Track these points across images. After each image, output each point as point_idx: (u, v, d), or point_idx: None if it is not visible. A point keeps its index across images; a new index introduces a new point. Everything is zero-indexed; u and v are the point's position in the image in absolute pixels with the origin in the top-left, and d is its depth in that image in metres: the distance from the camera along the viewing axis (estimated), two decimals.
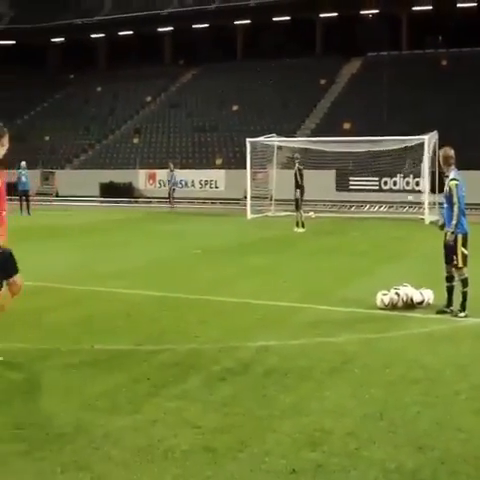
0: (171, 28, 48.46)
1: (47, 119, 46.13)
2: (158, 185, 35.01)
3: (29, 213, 25.88)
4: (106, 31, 49.89)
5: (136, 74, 46.27)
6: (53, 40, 51.90)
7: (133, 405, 5.13)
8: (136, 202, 33.71)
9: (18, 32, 50.89)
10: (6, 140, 6.30)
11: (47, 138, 43.67)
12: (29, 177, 27.46)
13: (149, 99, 45.55)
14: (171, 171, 30.67)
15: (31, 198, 27.51)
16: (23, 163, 27.29)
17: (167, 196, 30.60)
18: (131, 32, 48.44)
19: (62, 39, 51.63)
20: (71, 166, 40.73)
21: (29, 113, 48.11)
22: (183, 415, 4.94)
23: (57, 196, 37.24)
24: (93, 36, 50.55)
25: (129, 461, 4.17)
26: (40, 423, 4.77)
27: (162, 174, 33.40)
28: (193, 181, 34.57)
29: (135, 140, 41.03)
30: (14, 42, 52.16)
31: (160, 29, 48.48)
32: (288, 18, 44.45)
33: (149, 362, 6.30)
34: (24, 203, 26.34)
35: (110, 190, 35.58)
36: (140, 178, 36.25)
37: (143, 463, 4.15)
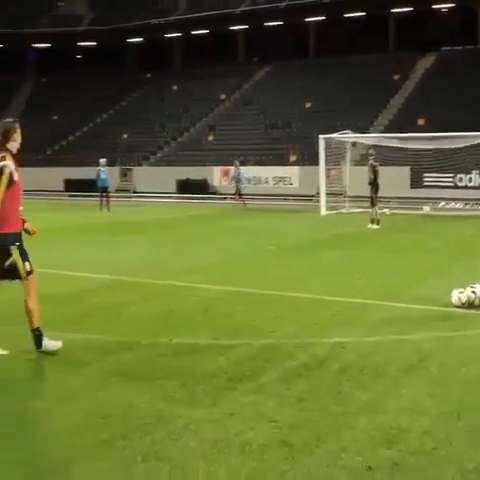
0: (244, 26, 48.75)
1: (125, 117, 47.17)
2: (245, 182, 35.44)
3: (108, 209, 26.44)
4: (181, 30, 50.63)
5: (210, 72, 46.74)
6: (130, 40, 52.96)
7: (211, 398, 5.22)
8: (211, 198, 34.02)
9: (97, 33, 52.28)
10: (18, 135, 6.39)
11: (125, 136, 44.65)
12: (108, 174, 27.96)
13: (223, 97, 45.92)
14: (237, 168, 30.76)
15: (110, 195, 28.03)
16: (102, 160, 27.85)
17: (234, 193, 30.70)
18: (205, 31, 48.97)
19: (139, 39, 52.63)
20: (148, 163, 41.53)
21: (108, 112, 49.31)
22: (259, 409, 4.99)
23: (135, 192, 38.04)
24: (168, 36, 51.33)
25: (207, 453, 4.25)
26: (122, 413, 4.91)
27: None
28: (267, 178, 34.70)
29: (210, 137, 41.44)
30: (94, 43, 53.59)
31: (233, 27, 48.84)
32: (361, 14, 43.96)
33: (226, 356, 6.39)
34: (104, 200, 26.89)
35: (186, 187, 36.13)
36: (215, 175, 36.62)
37: (220, 455, 4.22)
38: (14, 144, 6.34)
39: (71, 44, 54.25)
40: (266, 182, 34.71)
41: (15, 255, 6.39)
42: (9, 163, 6.18)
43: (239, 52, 51.41)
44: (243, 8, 48.12)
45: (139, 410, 4.97)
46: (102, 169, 27.36)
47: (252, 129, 40.02)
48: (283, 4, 46.27)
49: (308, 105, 40.40)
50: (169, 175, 36.80)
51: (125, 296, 9.41)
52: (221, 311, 8.46)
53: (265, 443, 4.39)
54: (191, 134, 43.33)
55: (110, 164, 41.19)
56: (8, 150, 6.30)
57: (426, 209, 20.89)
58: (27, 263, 6.49)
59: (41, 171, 42.76)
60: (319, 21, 46.59)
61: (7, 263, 6.34)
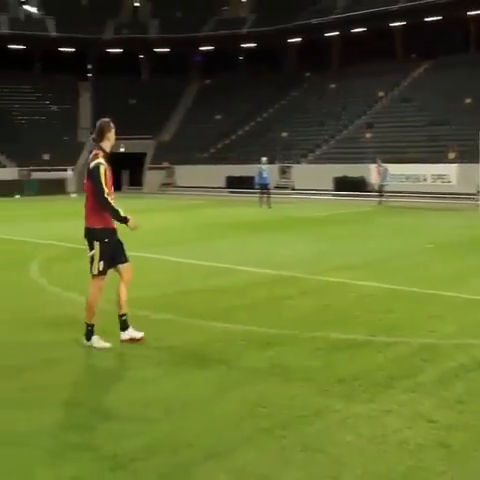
0: (402, 23, 47.66)
1: (284, 116, 47.81)
2: (389, 179, 34.79)
3: (269, 206, 26.85)
4: (340, 29, 50.39)
5: (368, 70, 46.22)
6: (290, 41, 53.55)
7: (368, 394, 5.25)
8: (368, 196, 33.73)
9: (259, 35, 53.38)
10: (112, 135, 6.65)
11: (284, 134, 45.25)
12: (269, 172, 28.35)
13: (381, 94, 45.21)
14: (380, 166, 30.15)
15: (270, 191, 28.30)
16: (264, 158, 28.42)
17: (378, 190, 30.21)
18: (364, 29, 48.42)
19: (298, 39, 53.07)
20: (306, 161, 41.82)
21: (268, 111, 50.20)
22: (417, 408, 4.97)
23: (293, 190, 38.50)
24: (327, 35, 51.34)
25: (364, 448, 4.30)
26: (281, 404, 5.07)
27: (394, 168, 33.03)
28: (425, 175, 33.88)
29: (367, 135, 40.99)
30: (254, 45, 54.81)
31: (392, 24, 47.90)
32: None
33: (384, 353, 6.39)
34: (264, 197, 27.35)
35: (343, 184, 36.04)
36: (372, 172, 36.18)
37: (377, 452, 4.25)
38: (107, 143, 6.64)
39: (234, 46, 55.80)
40: (424, 180, 33.88)
41: (96, 251, 6.65)
42: (102, 161, 6.53)
43: (397, 49, 50.26)
44: (401, 4, 46.98)
45: (297, 402, 5.12)
46: (263, 167, 27.85)
47: (410, 126, 39.06)
48: None
49: (468, 101, 38.76)
50: (327, 172, 36.95)
51: (285, 291, 9.64)
52: (378, 308, 8.43)
53: (422, 443, 4.38)
54: (349, 132, 43.08)
55: (269, 162, 42.04)
56: (101, 148, 6.62)
57: None
58: (102, 263, 6.68)
59: (205, 168, 44.51)
60: None
61: (90, 254, 6.72)
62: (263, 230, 18.88)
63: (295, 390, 5.37)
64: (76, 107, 55.38)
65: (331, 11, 51.12)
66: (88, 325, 6.66)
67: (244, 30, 55.64)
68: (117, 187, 42.82)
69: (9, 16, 57.07)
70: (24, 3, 58.83)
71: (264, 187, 27.58)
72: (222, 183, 42.54)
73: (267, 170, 28.00)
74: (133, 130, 49.51)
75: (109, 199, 6.56)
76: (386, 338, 6.91)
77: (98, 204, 6.61)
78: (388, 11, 46.64)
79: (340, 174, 36.66)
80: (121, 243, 6.92)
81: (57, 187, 42.63)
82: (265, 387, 5.46)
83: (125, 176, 50.01)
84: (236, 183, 41.54)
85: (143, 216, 24.90)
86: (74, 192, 42.44)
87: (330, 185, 36.74)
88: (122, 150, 50.00)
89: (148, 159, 50.30)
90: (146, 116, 50.66)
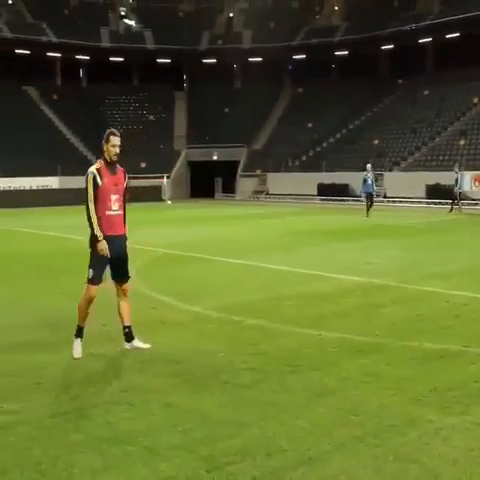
0: None
1: (376, 123, 47.32)
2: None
3: (367, 215, 26.25)
4: (433, 35, 49.39)
5: (462, 76, 45.05)
6: (383, 47, 52.96)
7: (461, 406, 5.17)
8: (463, 204, 32.98)
9: (351, 43, 53.10)
10: (110, 144, 6.68)
11: (376, 141, 44.76)
12: (373, 179, 27.43)
13: (475, 100, 43.99)
14: (456, 173, 29.29)
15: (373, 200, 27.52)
16: (368, 165, 27.83)
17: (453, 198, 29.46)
18: (457, 34, 47.21)
19: (391, 46, 52.40)
20: (398, 168, 41.21)
21: (360, 118, 49.82)
22: None
23: (385, 197, 38.05)
24: (421, 41, 50.42)
25: (458, 460, 4.23)
26: (373, 412, 5.07)
27: None
28: None
29: (461, 142, 39.98)
30: (346, 52, 54.52)
31: None
32: None
33: (477, 364, 6.27)
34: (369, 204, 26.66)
35: (436, 192, 35.33)
36: (465, 180, 35.32)
37: (472, 464, 4.18)
38: (107, 152, 6.71)
39: (326, 54, 55.70)
40: None
41: (90, 259, 6.78)
42: (93, 169, 6.66)
43: None
44: None
45: (389, 411, 5.11)
46: (368, 174, 27.07)
47: None
48: None
49: None
50: (419, 180, 36.33)
51: (376, 299, 9.60)
52: (472, 318, 8.26)
53: None
54: (442, 139, 42.14)
55: (360, 170, 41.63)
56: (103, 156, 6.76)
57: None
58: (91, 271, 6.74)
59: (297, 176, 44.63)
60: None
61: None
62: (354, 238, 18.78)
63: (387, 399, 5.35)
64: (172, 116, 56.76)
65: (425, 17, 50.21)
66: (78, 325, 6.81)
67: (336, 38, 55.48)
68: (210, 194, 43.90)
69: (110, 29, 59.24)
70: (124, 17, 60.86)
71: (369, 195, 26.93)
72: (313, 191, 42.51)
73: (372, 177, 27.27)
74: (226, 138, 50.31)
75: (90, 207, 6.63)
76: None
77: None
78: None
79: (432, 182, 35.96)
80: (121, 258, 6.94)
81: (153, 194, 43.78)
82: (357, 395, 5.47)
83: (218, 183, 50.75)
84: (327, 190, 41.45)
85: (235, 223, 25.39)
86: (169, 198, 43.46)
87: (422, 193, 36.11)
88: (215, 158, 50.85)
89: (241, 167, 50.84)
90: (239, 124, 51.28)
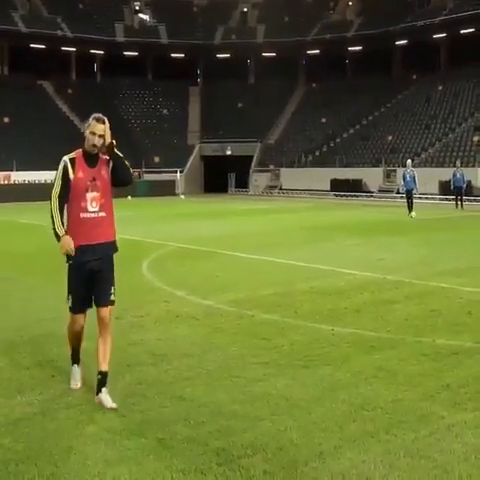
0: None
1: (390, 119, 47.19)
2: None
3: (410, 213, 24.33)
4: (448, 30, 49.10)
5: (477, 72, 44.85)
6: (397, 43, 52.70)
7: (474, 402, 5.16)
8: (475, 200, 33.08)
9: (365, 38, 52.92)
10: (95, 128, 5.25)
11: (390, 137, 44.62)
12: (413, 176, 25.34)
13: None
14: (457, 170, 28.97)
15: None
16: (409, 161, 26.68)
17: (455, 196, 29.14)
18: (472, 30, 46.88)
19: (405, 42, 52.14)
20: (412, 164, 41.06)
21: (373, 114, 49.67)
22: None
23: (398, 193, 37.95)
24: (435, 36, 50.14)
25: (470, 456, 4.23)
26: (385, 407, 5.07)
27: None
28: None
29: (475, 138, 39.78)
30: (360, 48, 54.31)
31: None
32: None
33: None
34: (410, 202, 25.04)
35: (448, 187, 35.23)
36: (479, 176, 35.34)
37: None
38: (87, 141, 5.32)
39: (340, 49, 55.55)
40: None
41: (67, 278, 5.46)
42: (66, 158, 5.34)
43: None
44: None
45: (402, 407, 5.11)
46: (408, 171, 25.52)
47: None
48: None
49: None
50: (432, 176, 36.19)
51: (389, 294, 9.58)
52: None
53: None
54: (456, 135, 41.93)
55: (374, 164, 41.61)
56: (84, 146, 5.37)
57: None
58: (70, 296, 5.44)
59: (310, 171, 44.62)
60: None
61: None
62: (368, 233, 18.75)
63: (399, 394, 5.35)
64: (186, 111, 56.84)
65: (439, 12, 49.93)
66: (71, 348, 5.76)
67: (350, 33, 55.31)
68: (224, 189, 43.96)
69: (124, 24, 59.33)
70: (138, 12, 60.95)
71: (409, 193, 25.25)
72: (327, 186, 42.47)
73: (412, 173, 25.29)
74: (240, 133, 50.31)
75: (54, 200, 5.26)
76: None
77: (67, 213, 5.39)
78: None
79: (446, 178, 35.83)
80: (96, 273, 5.37)
81: (167, 188, 43.92)
82: (370, 390, 5.47)
83: (231, 178, 50.80)
84: (341, 186, 41.39)
85: (249, 218, 25.40)
86: (183, 193, 43.57)
87: (435, 189, 36.02)
88: (229, 153, 50.85)
89: (254, 162, 50.84)
90: (253, 119, 51.27)
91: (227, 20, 61.84)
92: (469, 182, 34.84)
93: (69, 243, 5.15)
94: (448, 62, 51.64)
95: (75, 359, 5.70)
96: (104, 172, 5.36)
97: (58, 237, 5.20)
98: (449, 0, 51.34)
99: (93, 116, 5.33)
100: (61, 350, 6.40)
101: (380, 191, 39.22)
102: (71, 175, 5.25)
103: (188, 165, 50.43)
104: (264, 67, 57.82)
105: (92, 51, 57.11)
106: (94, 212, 5.29)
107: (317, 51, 56.51)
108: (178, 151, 50.54)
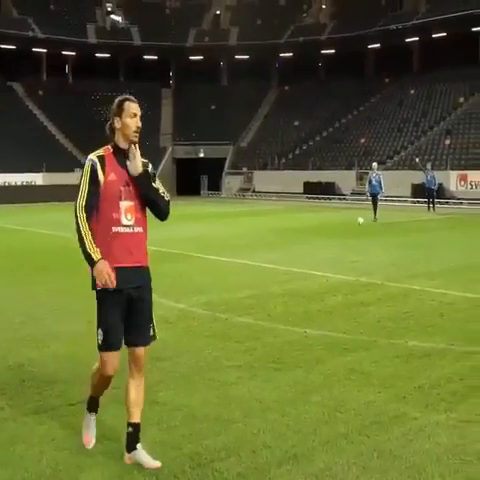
0: None
1: (362, 122, 47.55)
2: (469, 186, 34.35)
3: (375, 218, 23.81)
4: (420, 34, 49.68)
5: (449, 76, 45.36)
6: (370, 46, 53.17)
7: (446, 403, 5.21)
8: (447, 203, 33.42)
9: (338, 41, 53.27)
10: (134, 109, 4.17)
11: (362, 140, 44.96)
12: (379, 179, 24.86)
13: (462, 100, 44.33)
14: (425, 171, 29.14)
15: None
16: (374, 164, 26.29)
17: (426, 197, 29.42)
18: (444, 34, 47.46)
19: (378, 45, 52.63)
20: (384, 167, 41.39)
21: (346, 117, 50.01)
22: None
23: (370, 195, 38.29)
24: (407, 40, 50.68)
25: (442, 457, 4.26)
26: (358, 409, 5.10)
27: (475, 175, 32.62)
28: None
29: (447, 141, 40.29)
30: (333, 51, 54.66)
31: (475, 29, 46.79)
32: None
33: (462, 362, 6.32)
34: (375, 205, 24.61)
35: (422, 191, 35.55)
36: (451, 179, 35.74)
37: (456, 461, 4.21)
38: (127, 128, 4.17)
39: (313, 52, 55.83)
40: None
41: (97, 311, 4.22)
42: (92, 156, 4.16)
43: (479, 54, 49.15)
44: None
45: (374, 408, 5.14)
46: (374, 174, 25.16)
47: None
48: None
49: None
50: (405, 179, 36.59)
51: (362, 296, 9.65)
52: (457, 317, 8.32)
53: None
54: (428, 138, 42.41)
55: (347, 167, 41.84)
56: (114, 141, 4.25)
57: None
58: (100, 331, 4.17)
59: (283, 174, 44.77)
60: None
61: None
62: (340, 236, 18.83)
63: (372, 396, 5.39)
64: (158, 113, 56.61)
65: (412, 16, 50.46)
66: (90, 396, 4.59)
67: (324, 37, 55.62)
68: (196, 191, 43.82)
69: (96, 25, 58.97)
70: (110, 13, 60.65)
71: (374, 197, 24.77)
72: (300, 189, 42.64)
73: (377, 177, 24.85)
74: (212, 136, 50.28)
75: (81, 214, 4.05)
76: (465, 347, 6.82)
77: (97, 225, 4.16)
78: (471, 15, 45.58)
79: (418, 181, 36.17)
80: (137, 303, 4.21)
81: None
82: (342, 392, 5.50)
83: (204, 181, 50.75)
84: (314, 189, 41.59)
85: (221, 220, 25.37)
86: None
87: (408, 192, 36.40)
88: (201, 155, 50.79)
89: (227, 164, 50.84)
90: (226, 122, 51.29)
91: (200, 22, 61.83)
92: (441, 185, 35.25)
93: (108, 271, 3.96)
94: (420, 66, 52.16)
95: (93, 406, 4.57)
96: None
97: (92, 262, 3.99)
98: (421, 4, 51.89)
99: (123, 97, 4.21)
100: (31, 355, 6.33)
101: (353, 194, 39.44)
102: (101, 178, 4.09)
103: (160, 167, 50.19)
104: (237, 70, 57.89)
105: (64, 52, 56.65)
106: (129, 227, 4.15)
107: (290, 54, 56.72)
108: (150, 153, 50.18)
